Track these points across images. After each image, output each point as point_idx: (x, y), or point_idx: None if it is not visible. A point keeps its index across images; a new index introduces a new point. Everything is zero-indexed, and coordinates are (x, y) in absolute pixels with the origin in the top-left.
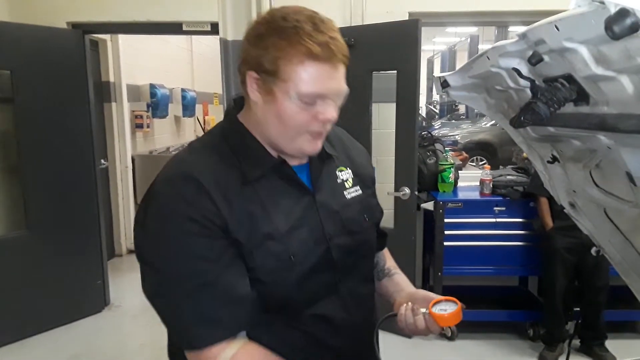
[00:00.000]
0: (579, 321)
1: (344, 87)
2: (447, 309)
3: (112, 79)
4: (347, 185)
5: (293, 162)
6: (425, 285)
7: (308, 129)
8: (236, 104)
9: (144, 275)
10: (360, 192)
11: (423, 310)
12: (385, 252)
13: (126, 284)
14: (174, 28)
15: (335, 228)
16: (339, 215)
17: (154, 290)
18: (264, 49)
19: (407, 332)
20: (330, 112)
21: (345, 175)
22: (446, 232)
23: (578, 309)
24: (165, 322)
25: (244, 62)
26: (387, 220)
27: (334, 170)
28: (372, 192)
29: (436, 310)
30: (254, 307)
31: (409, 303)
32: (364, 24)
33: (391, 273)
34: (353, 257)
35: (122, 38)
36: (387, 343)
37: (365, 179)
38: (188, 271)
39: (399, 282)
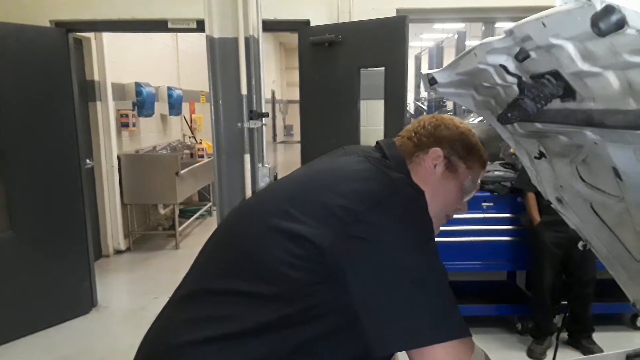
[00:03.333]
0: (567, 314)
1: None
2: None
3: (96, 78)
4: None
5: None
6: None
7: (453, 211)
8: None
9: (407, 265)
10: None
11: None
12: None
13: (114, 285)
14: (159, 26)
15: None
16: None
17: (415, 278)
18: (467, 139)
19: None
20: (466, 206)
21: None
22: None
23: (565, 302)
24: (420, 307)
25: (436, 140)
26: None
27: None
28: None
29: None
30: None
31: None
32: (352, 20)
33: None
34: None
35: (106, 36)
36: None
37: None
38: (443, 273)
39: None
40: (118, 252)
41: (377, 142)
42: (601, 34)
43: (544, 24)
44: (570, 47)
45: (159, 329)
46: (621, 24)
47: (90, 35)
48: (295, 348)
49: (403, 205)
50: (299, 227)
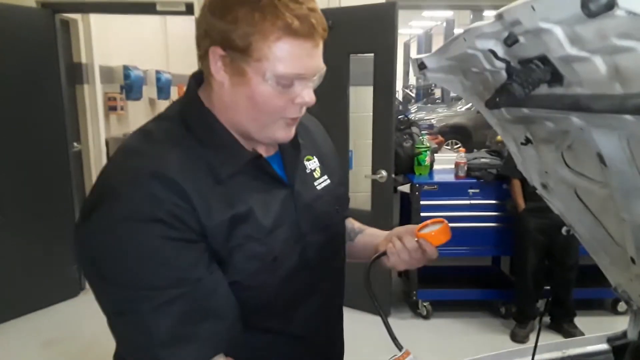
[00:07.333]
0: (549, 299)
1: (323, 66)
2: (434, 228)
3: (84, 60)
4: (315, 175)
5: (261, 151)
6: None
7: (284, 115)
8: (197, 80)
9: (99, 292)
10: (329, 181)
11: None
12: (350, 218)
13: None
14: (147, 8)
15: (309, 223)
16: (313, 209)
17: (114, 308)
18: (233, 22)
19: (401, 267)
20: (309, 94)
21: (312, 164)
22: (422, 214)
23: (548, 287)
24: (128, 344)
25: (205, 35)
26: (365, 203)
27: (302, 159)
28: (339, 181)
29: (423, 233)
30: (236, 321)
31: (394, 238)
32: (342, 6)
33: (362, 229)
34: (327, 254)
35: (94, 18)
36: (362, 322)
37: (332, 167)
38: (158, 281)
39: (373, 233)
40: None
41: None
42: (591, 15)
43: (533, 8)
44: (558, 31)
45: None
46: (611, 4)
47: (77, 16)
48: None
49: (117, 206)
50: None
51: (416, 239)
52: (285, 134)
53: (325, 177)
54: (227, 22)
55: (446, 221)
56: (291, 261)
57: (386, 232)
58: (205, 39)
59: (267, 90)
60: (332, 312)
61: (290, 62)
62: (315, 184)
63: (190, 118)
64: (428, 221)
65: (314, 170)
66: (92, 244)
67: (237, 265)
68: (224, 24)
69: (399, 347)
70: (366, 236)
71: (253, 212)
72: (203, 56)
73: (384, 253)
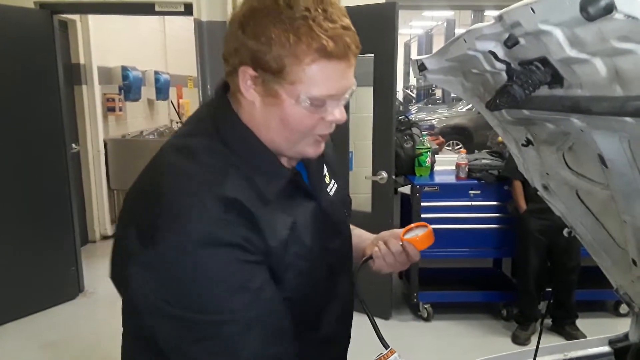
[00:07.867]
0: (551, 301)
1: (354, 82)
2: (419, 233)
3: (82, 61)
4: (327, 181)
5: (286, 162)
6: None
7: (314, 132)
8: (223, 91)
9: (173, 321)
10: (336, 185)
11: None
12: None
13: (100, 271)
14: (146, 8)
15: (329, 231)
16: (330, 215)
17: (194, 336)
18: (267, 43)
19: (385, 270)
20: (341, 112)
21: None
22: (423, 216)
23: (550, 289)
24: None
25: (235, 53)
26: (365, 205)
27: None
28: (343, 184)
29: (408, 237)
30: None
31: (380, 242)
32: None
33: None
34: (343, 258)
35: (92, 18)
36: (363, 325)
37: (336, 170)
38: (238, 305)
39: (360, 235)
40: (105, 237)
41: None
42: (590, 18)
43: (533, 10)
44: (558, 33)
45: None
46: (610, 8)
47: (75, 17)
48: None
49: (187, 247)
50: None
51: (401, 243)
52: (315, 150)
53: (333, 181)
54: (260, 43)
55: (430, 226)
56: (321, 271)
57: (372, 236)
58: (234, 57)
59: (300, 111)
60: (348, 314)
61: (324, 84)
62: (328, 189)
63: (228, 135)
64: (412, 225)
65: (325, 175)
66: (165, 271)
67: (288, 282)
68: (256, 45)
69: (385, 345)
70: (353, 237)
71: (297, 228)
72: (232, 72)
73: (371, 257)
